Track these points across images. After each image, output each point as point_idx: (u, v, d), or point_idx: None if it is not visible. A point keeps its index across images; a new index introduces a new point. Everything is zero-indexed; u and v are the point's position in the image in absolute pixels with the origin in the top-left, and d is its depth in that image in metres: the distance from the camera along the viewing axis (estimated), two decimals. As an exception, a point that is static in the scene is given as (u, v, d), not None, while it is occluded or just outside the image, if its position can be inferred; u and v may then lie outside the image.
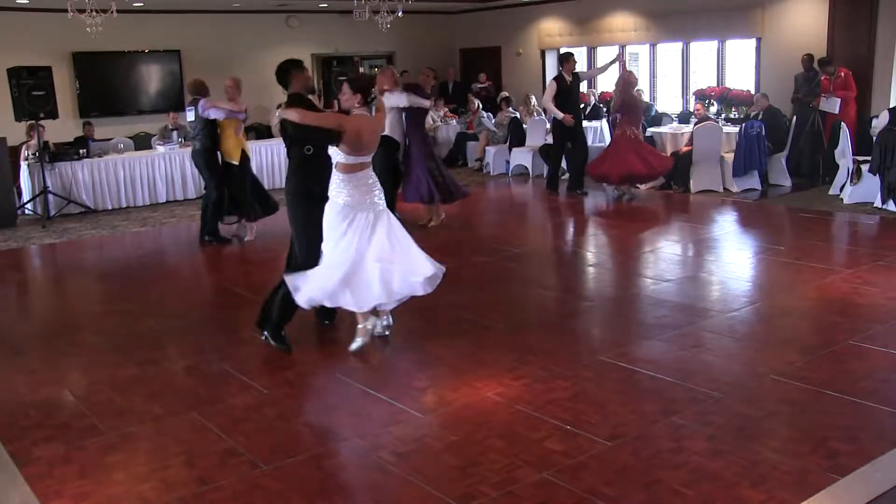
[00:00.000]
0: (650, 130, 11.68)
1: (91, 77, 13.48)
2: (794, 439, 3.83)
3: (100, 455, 3.95)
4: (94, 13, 10.25)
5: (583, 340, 5.44)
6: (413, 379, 4.80)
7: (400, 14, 12.40)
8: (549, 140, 12.48)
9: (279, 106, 5.17)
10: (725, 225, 9.23)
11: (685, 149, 10.88)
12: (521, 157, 12.87)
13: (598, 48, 15.19)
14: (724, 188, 10.71)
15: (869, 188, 9.30)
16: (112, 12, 10.24)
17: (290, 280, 5.06)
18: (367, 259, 4.97)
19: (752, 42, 12.66)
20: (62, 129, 11.89)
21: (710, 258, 7.60)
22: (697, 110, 11.53)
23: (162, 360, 5.31)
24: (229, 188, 8.76)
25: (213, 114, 8.49)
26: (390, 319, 5.48)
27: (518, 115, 13.59)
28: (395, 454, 3.82)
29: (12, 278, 8.19)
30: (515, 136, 13.17)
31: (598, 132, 13.10)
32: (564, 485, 3.48)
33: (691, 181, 10.77)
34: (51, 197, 10.60)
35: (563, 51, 11.88)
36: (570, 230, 9.62)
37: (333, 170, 5.00)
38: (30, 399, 4.70)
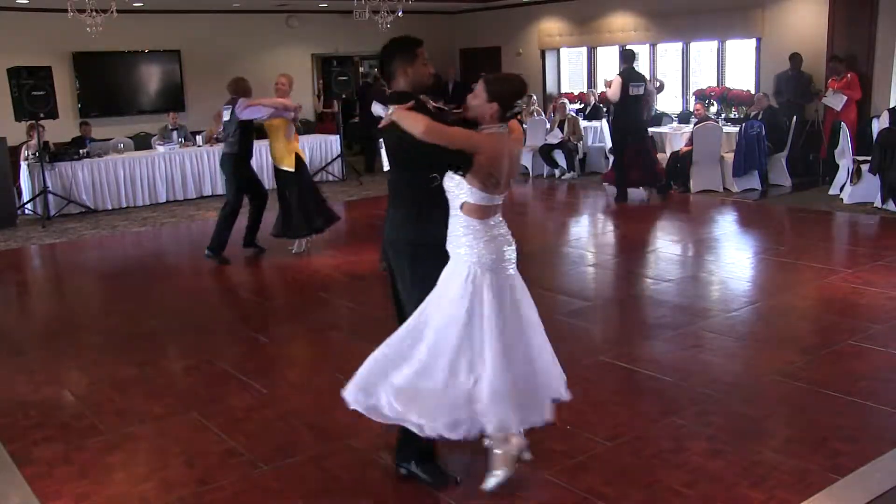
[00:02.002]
0: (650, 130, 11.67)
1: (91, 77, 13.49)
2: (794, 439, 3.83)
3: (100, 455, 3.95)
4: (94, 13, 10.26)
5: (583, 340, 5.44)
6: (413, 379, 4.79)
7: (400, 14, 12.41)
8: (550, 140, 12.48)
9: (385, 105, 3.47)
10: (725, 225, 9.23)
11: (685, 149, 10.88)
12: (521, 157, 12.84)
13: (598, 48, 15.19)
14: (724, 188, 10.71)
15: (869, 188, 9.30)
16: (112, 12, 10.25)
17: (400, 407, 3.40)
18: (511, 349, 3.37)
19: (752, 42, 12.65)
20: (62, 129, 11.88)
21: (710, 258, 7.60)
22: (697, 110, 11.52)
23: (162, 360, 5.32)
24: (282, 201, 7.93)
25: (250, 114, 7.58)
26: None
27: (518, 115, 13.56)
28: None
29: (12, 278, 8.19)
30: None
31: (597, 132, 13.09)
32: (564, 485, 3.48)
33: (691, 181, 10.77)
34: (51, 197, 10.60)
35: (628, 47, 11.52)
36: (570, 230, 9.61)
37: (455, 214, 3.40)
38: (30, 399, 4.70)
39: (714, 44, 13.32)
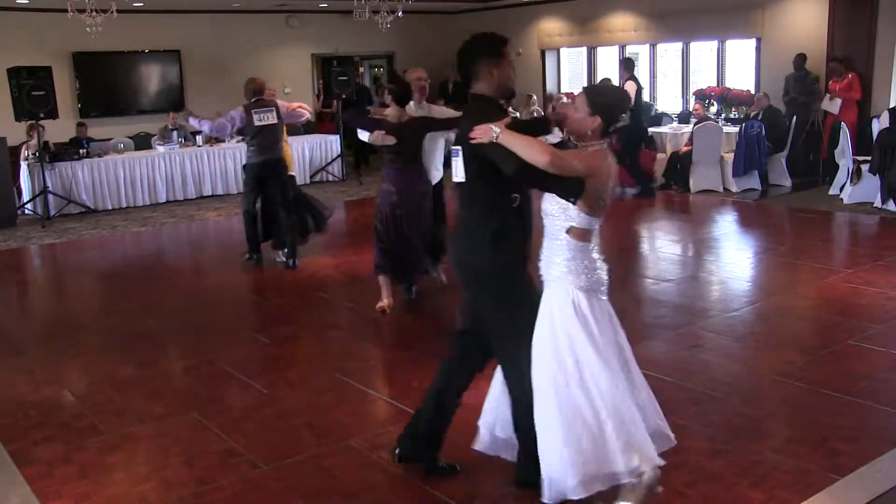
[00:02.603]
0: (650, 130, 11.67)
1: (91, 77, 13.49)
2: (794, 439, 3.83)
3: (100, 455, 3.95)
4: (94, 13, 10.26)
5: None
6: (413, 379, 4.79)
7: (400, 14, 12.41)
8: (549, 139, 12.46)
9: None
10: (725, 225, 9.23)
11: (685, 149, 10.88)
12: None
13: (598, 48, 15.19)
14: (724, 188, 10.71)
15: (869, 188, 9.30)
16: (112, 12, 10.25)
17: (544, 465, 3.10)
18: (625, 376, 3.19)
19: (752, 42, 12.66)
20: (62, 129, 11.89)
21: (710, 258, 7.60)
22: (696, 110, 11.52)
23: (162, 360, 5.31)
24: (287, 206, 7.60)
25: (295, 117, 7.83)
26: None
27: (518, 115, 13.57)
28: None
29: (12, 278, 8.19)
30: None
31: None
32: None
33: (691, 181, 10.77)
34: (51, 197, 10.60)
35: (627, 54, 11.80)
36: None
37: (557, 238, 3.21)
38: (30, 399, 4.70)
39: (714, 44, 13.33)
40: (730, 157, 10.69)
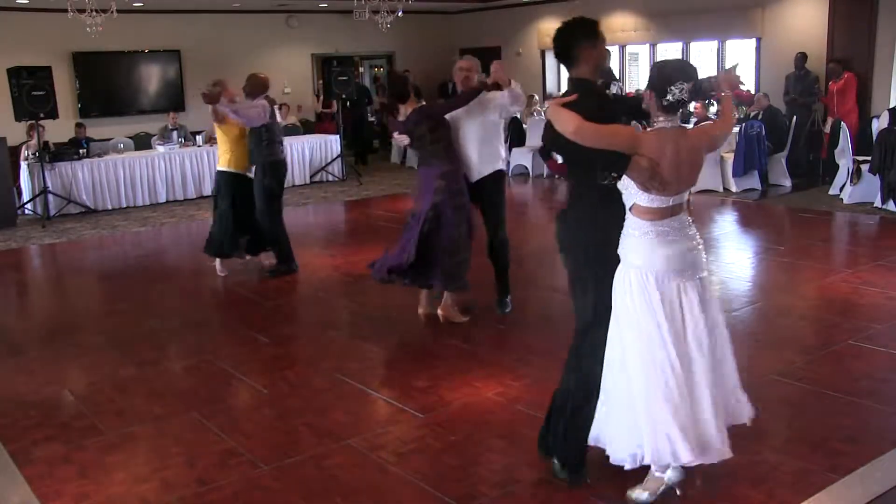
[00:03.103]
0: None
1: (91, 77, 13.49)
2: (794, 439, 3.83)
3: (100, 455, 3.95)
4: (94, 13, 10.26)
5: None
6: (413, 379, 4.80)
7: (400, 14, 12.41)
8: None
9: (548, 97, 3.33)
10: (725, 225, 9.23)
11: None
12: (522, 157, 12.86)
13: (598, 48, 15.18)
14: (724, 188, 10.71)
15: (869, 188, 9.30)
16: (112, 12, 10.25)
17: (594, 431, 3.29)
18: (690, 366, 3.12)
19: (752, 42, 12.66)
20: (62, 129, 11.89)
21: (710, 258, 7.54)
22: (697, 110, 11.52)
23: (162, 360, 5.31)
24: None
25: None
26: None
27: (518, 115, 13.58)
28: (395, 454, 3.82)
29: (12, 278, 8.19)
30: (515, 136, 13.16)
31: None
32: (564, 485, 3.48)
33: (691, 181, 10.75)
34: (51, 197, 10.60)
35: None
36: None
37: (628, 215, 3.18)
38: (30, 399, 4.70)
39: (714, 44, 13.33)
40: (730, 157, 10.69)
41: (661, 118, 3.14)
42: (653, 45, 14.12)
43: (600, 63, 3.36)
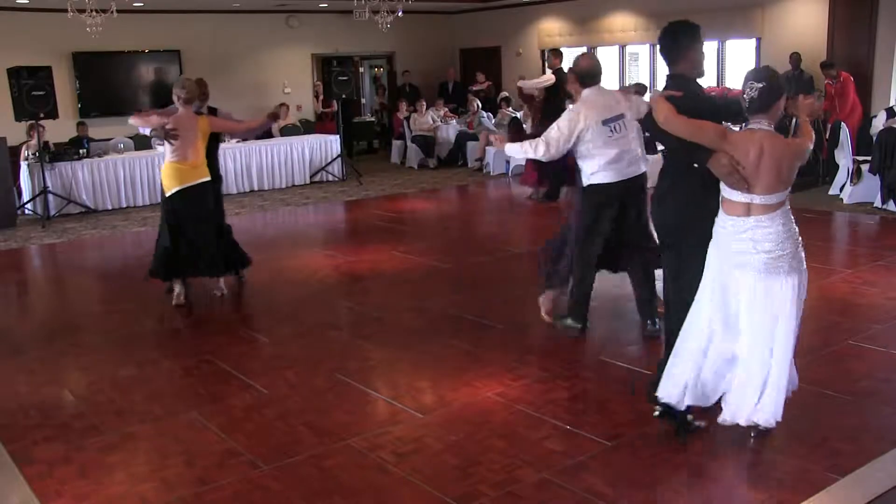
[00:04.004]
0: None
1: (91, 77, 13.49)
2: (794, 439, 3.83)
3: (100, 455, 3.95)
4: (94, 13, 10.26)
5: (583, 340, 5.43)
6: (413, 379, 4.80)
7: (400, 14, 12.41)
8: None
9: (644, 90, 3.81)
10: (725, 225, 9.21)
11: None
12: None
13: (598, 48, 15.19)
14: (724, 188, 10.69)
15: (869, 188, 9.30)
16: (112, 12, 10.25)
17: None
18: (716, 341, 3.64)
19: (752, 42, 12.66)
20: (62, 129, 11.89)
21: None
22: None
23: (162, 360, 5.31)
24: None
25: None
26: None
27: (518, 115, 13.59)
28: (395, 454, 3.83)
29: (12, 278, 8.19)
30: (516, 136, 13.15)
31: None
32: (564, 485, 3.48)
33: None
34: (51, 197, 10.60)
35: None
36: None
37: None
38: (30, 399, 4.70)
39: (714, 44, 13.32)
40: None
41: (753, 120, 3.47)
42: (653, 46, 14.11)
43: (698, 64, 3.78)
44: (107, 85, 13.67)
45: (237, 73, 14.93)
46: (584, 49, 15.28)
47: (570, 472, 3.59)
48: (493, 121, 13.80)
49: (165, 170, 6.35)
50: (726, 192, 3.49)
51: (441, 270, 7.34)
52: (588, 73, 5.23)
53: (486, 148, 13.47)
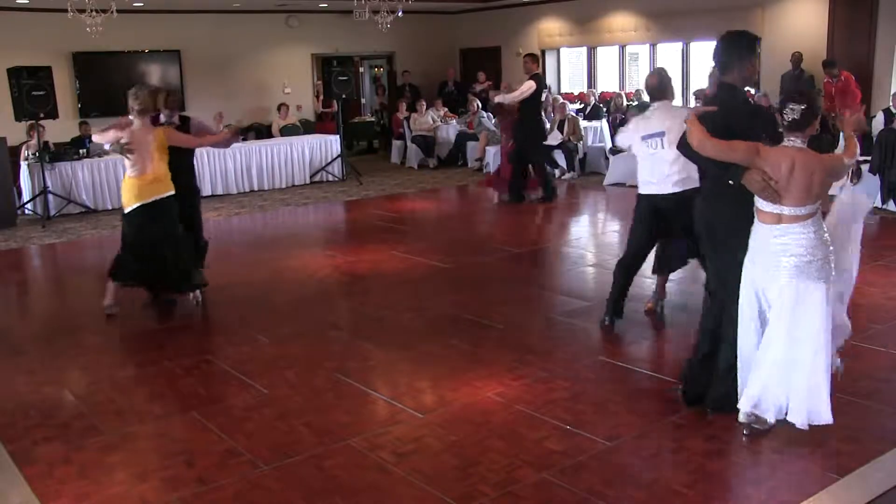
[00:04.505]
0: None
1: (91, 77, 13.49)
2: (794, 439, 3.83)
3: (100, 455, 3.95)
4: (94, 13, 10.26)
5: (583, 340, 5.44)
6: (413, 379, 4.80)
7: (400, 14, 12.41)
8: (549, 141, 12.47)
9: (698, 97, 3.93)
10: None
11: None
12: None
13: (598, 48, 15.20)
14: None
15: (869, 188, 9.29)
16: (112, 12, 10.25)
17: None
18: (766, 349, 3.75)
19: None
20: (62, 129, 11.89)
21: (710, 258, 7.59)
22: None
23: (162, 360, 5.31)
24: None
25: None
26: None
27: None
28: (395, 454, 3.83)
29: (12, 278, 8.19)
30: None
31: (597, 132, 13.09)
32: (564, 485, 3.48)
33: (691, 181, 10.74)
34: (51, 197, 10.60)
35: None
36: (570, 230, 9.61)
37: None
38: (30, 399, 4.70)
39: (714, 44, 13.30)
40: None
41: (788, 137, 3.62)
42: (653, 45, 14.13)
43: (750, 76, 3.86)
44: (107, 85, 13.65)
45: (237, 73, 14.94)
46: (584, 49, 15.33)
47: (570, 472, 3.59)
48: (494, 121, 13.79)
49: (124, 185, 6.10)
50: (759, 202, 3.66)
51: (441, 270, 7.34)
52: (652, 90, 5.41)
53: (486, 148, 13.47)
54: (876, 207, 9.08)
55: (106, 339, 5.81)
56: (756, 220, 3.70)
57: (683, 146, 3.76)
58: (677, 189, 5.08)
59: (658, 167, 5.13)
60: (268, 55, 15.30)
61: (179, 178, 6.23)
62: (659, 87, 5.32)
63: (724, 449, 3.75)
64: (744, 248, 3.77)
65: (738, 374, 3.84)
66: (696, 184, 4.42)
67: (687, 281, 6.80)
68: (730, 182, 3.65)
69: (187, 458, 3.88)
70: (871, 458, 3.60)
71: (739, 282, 3.80)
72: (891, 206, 8.88)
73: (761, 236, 3.69)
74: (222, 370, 5.03)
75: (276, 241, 9.13)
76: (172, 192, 6.12)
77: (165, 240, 6.11)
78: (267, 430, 4.17)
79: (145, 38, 13.86)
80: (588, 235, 9.29)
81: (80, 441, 4.11)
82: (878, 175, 9.04)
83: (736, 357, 3.86)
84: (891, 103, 10.61)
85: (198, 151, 11.80)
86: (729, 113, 3.72)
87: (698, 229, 4.04)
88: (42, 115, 10.37)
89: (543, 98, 10.81)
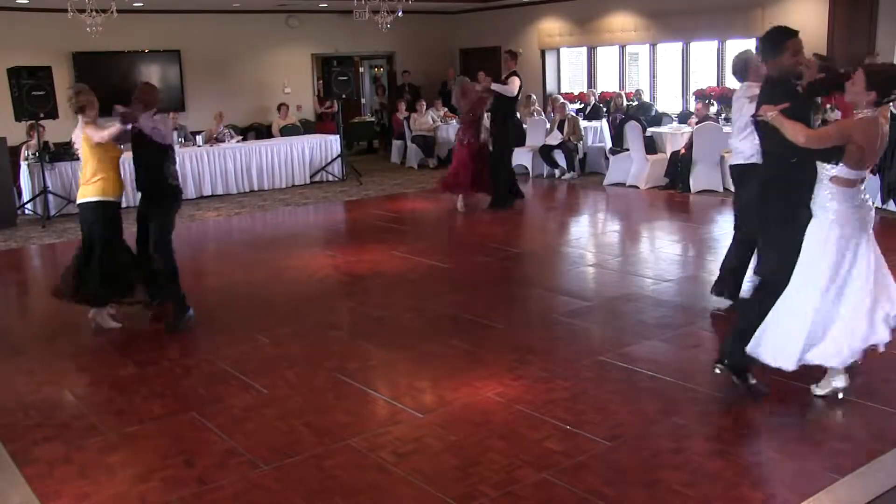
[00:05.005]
0: (650, 130, 11.66)
1: (91, 77, 13.39)
2: (794, 439, 3.83)
3: (100, 455, 3.95)
4: (94, 13, 10.25)
5: (583, 340, 5.44)
6: (413, 379, 4.80)
7: (400, 14, 12.40)
8: (549, 141, 12.49)
9: (767, 91, 4.10)
10: (725, 225, 9.21)
11: (684, 150, 10.88)
12: (521, 157, 12.85)
13: (598, 48, 15.20)
14: (724, 188, 10.70)
15: (869, 188, 9.25)
16: (112, 12, 10.24)
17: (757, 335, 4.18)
18: (853, 296, 4.08)
19: (752, 42, 12.63)
20: (62, 129, 11.85)
21: (710, 258, 7.60)
22: (699, 109, 11.50)
23: (162, 360, 5.31)
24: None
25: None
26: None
27: (518, 115, 13.57)
28: (395, 454, 3.83)
29: (12, 278, 8.19)
30: (515, 136, 13.14)
31: (597, 132, 13.10)
32: (564, 485, 3.48)
33: (691, 181, 10.76)
34: (51, 197, 10.60)
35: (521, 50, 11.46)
36: (570, 230, 9.61)
37: (823, 183, 4.07)
38: (30, 399, 4.70)
39: (714, 44, 13.32)
40: (730, 156, 10.67)
41: (865, 110, 3.88)
42: (653, 45, 14.12)
43: (789, 67, 4.12)
44: (107, 85, 13.59)
45: (237, 73, 14.94)
46: (584, 49, 15.33)
47: (570, 472, 3.59)
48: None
49: None
50: (841, 171, 3.94)
51: (441, 270, 7.34)
52: (734, 69, 5.82)
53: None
54: (876, 207, 9.06)
55: (106, 339, 5.81)
56: (834, 189, 3.99)
57: (768, 134, 4.06)
58: (739, 160, 5.70)
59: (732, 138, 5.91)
60: (268, 55, 15.30)
61: (146, 180, 6.02)
62: (735, 66, 5.84)
63: (724, 449, 3.75)
64: (802, 229, 4.10)
65: (807, 347, 4.07)
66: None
67: (687, 282, 6.80)
68: (834, 162, 3.96)
69: (187, 458, 3.88)
70: (871, 458, 3.60)
71: (796, 262, 4.10)
72: (891, 205, 8.88)
73: (846, 200, 4.01)
74: (222, 370, 5.03)
75: (276, 241, 9.13)
76: (89, 199, 5.82)
77: (86, 250, 5.86)
78: (267, 430, 4.17)
79: (145, 38, 13.86)
80: (588, 235, 9.29)
81: (80, 441, 4.11)
82: (877, 175, 9.04)
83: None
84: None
85: (197, 151, 11.90)
86: (795, 107, 3.98)
87: (763, 215, 4.32)
88: (42, 115, 10.37)
89: (519, 98, 10.57)
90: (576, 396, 4.41)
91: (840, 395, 4.19)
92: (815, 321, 4.06)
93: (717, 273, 7.03)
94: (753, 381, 4.27)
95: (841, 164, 3.93)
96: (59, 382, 4.99)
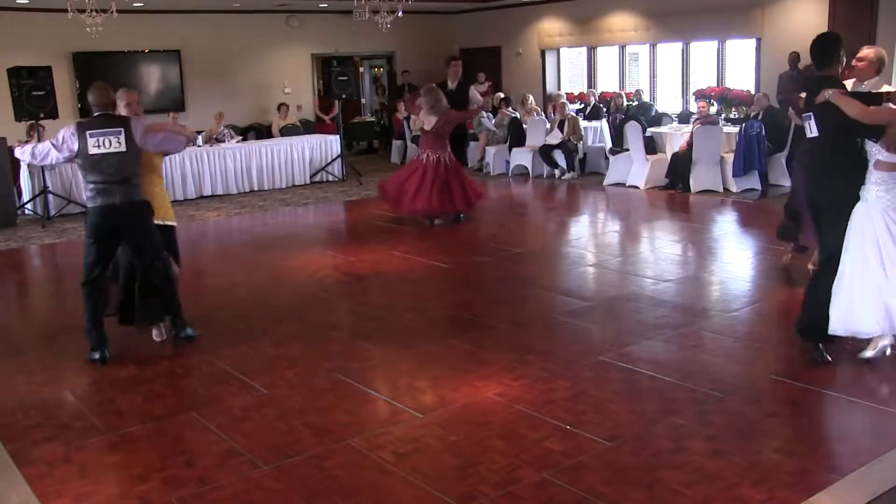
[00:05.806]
0: (650, 131, 11.67)
1: (91, 77, 13.31)
2: (794, 439, 3.83)
3: (100, 455, 3.95)
4: (94, 13, 10.25)
5: (583, 340, 5.44)
6: (413, 379, 4.80)
7: (400, 14, 12.40)
8: (549, 141, 12.49)
9: (816, 85, 4.56)
10: (725, 225, 9.23)
11: (683, 148, 10.87)
12: (521, 157, 12.87)
13: (598, 48, 15.20)
14: (724, 188, 10.71)
15: (869, 188, 9.29)
16: (112, 12, 10.24)
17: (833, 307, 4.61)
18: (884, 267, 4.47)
19: (752, 42, 12.66)
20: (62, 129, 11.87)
21: (710, 258, 7.60)
22: (701, 108, 11.49)
23: (162, 360, 5.31)
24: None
25: (159, 146, 5.40)
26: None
27: (518, 115, 13.59)
28: (395, 454, 3.83)
29: (12, 278, 8.19)
30: (515, 136, 13.18)
31: (597, 132, 13.10)
32: (564, 485, 3.48)
33: (691, 181, 10.76)
34: (51, 197, 10.60)
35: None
36: (570, 230, 9.61)
37: (870, 168, 4.51)
38: (30, 399, 4.70)
39: (714, 44, 13.33)
40: (730, 157, 10.69)
41: None
42: (653, 45, 14.12)
43: (839, 70, 4.72)
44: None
45: (237, 73, 14.95)
46: (584, 49, 15.33)
47: (570, 472, 3.59)
48: (493, 121, 13.80)
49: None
50: (883, 155, 4.41)
51: (441, 270, 7.34)
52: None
53: (486, 148, 13.48)
54: None
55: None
56: (879, 172, 4.44)
57: (831, 116, 4.51)
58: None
59: None
60: (268, 55, 15.30)
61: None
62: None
63: (724, 449, 3.75)
64: (850, 211, 4.54)
65: (863, 310, 4.49)
66: None
67: (687, 282, 6.80)
68: (874, 139, 4.43)
69: (187, 458, 3.88)
70: (870, 458, 3.60)
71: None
72: None
73: (884, 180, 4.43)
74: (222, 370, 5.03)
75: (276, 241, 9.13)
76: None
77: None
78: (267, 430, 4.17)
79: (145, 38, 13.87)
80: (588, 235, 9.29)
81: (80, 441, 4.11)
82: None
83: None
84: (891, 103, 10.62)
85: (197, 151, 11.90)
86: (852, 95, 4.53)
87: (820, 202, 4.74)
88: (42, 115, 10.37)
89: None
90: (576, 396, 4.41)
91: (888, 352, 4.63)
92: (874, 294, 4.46)
93: (716, 273, 7.06)
94: (820, 349, 4.70)
95: (881, 148, 4.39)
96: (59, 382, 4.99)
